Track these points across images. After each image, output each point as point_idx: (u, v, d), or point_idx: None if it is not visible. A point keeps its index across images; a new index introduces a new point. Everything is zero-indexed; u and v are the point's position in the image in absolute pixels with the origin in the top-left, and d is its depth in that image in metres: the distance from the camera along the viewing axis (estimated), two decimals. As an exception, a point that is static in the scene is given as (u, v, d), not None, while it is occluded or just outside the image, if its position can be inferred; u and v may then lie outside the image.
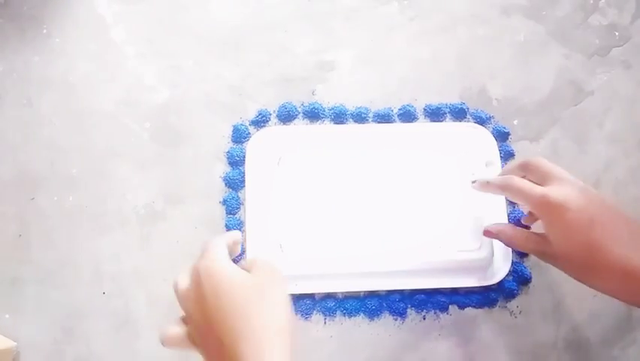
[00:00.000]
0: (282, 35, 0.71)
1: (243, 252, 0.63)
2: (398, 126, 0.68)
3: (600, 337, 0.64)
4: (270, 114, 0.68)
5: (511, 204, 0.66)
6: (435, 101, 0.69)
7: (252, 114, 0.68)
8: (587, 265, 0.46)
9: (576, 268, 0.49)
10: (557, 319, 0.63)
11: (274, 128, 0.67)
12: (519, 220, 0.62)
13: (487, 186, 0.56)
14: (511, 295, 0.63)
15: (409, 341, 0.62)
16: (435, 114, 0.68)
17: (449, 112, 0.68)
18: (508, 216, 0.65)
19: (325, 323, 0.63)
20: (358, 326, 0.63)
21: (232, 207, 0.65)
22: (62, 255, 0.64)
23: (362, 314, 0.63)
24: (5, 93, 0.68)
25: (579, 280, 0.49)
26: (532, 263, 0.64)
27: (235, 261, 0.43)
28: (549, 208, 0.47)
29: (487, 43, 0.71)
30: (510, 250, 0.64)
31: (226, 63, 0.69)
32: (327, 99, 0.69)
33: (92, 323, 0.62)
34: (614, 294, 0.47)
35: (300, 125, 0.68)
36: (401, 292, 0.63)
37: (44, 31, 0.70)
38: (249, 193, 0.64)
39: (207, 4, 0.71)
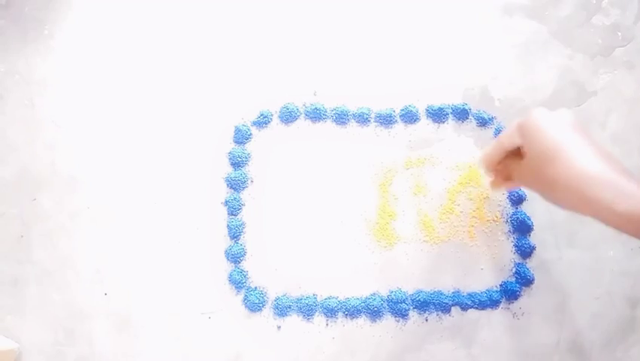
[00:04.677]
0: (284, 36, 0.70)
1: (245, 253, 0.63)
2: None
3: (603, 338, 0.63)
4: (272, 115, 0.68)
5: (513, 205, 0.66)
6: (437, 101, 0.68)
7: (253, 115, 0.68)
8: (550, 163, 0.45)
9: (539, 168, 0.46)
10: (560, 320, 0.63)
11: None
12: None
13: (486, 159, 0.53)
14: (513, 296, 0.63)
15: (411, 342, 0.62)
16: (437, 115, 0.68)
17: (451, 112, 0.68)
18: (510, 218, 0.65)
19: (327, 324, 0.63)
20: (360, 327, 0.63)
21: (234, 208, 0.65)
22: (63, 256, 0.64)
23: (364, 316, 0.63)
24: (7, 94, 0.68)
25: (540, 191, 0.47)
26: (536, 265, 0.64)
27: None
28: (529, 120, 0.47)
29: (489, 44, 0.71)
30: (512, 251, 0.64)
31: (228, 64, 0.69)
32: (329, 100, 0.69)
33: (93, 323, 0.62)
34: (572, 205, 0.45)
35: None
36: (403, 293, 0.63)
37: (46, 32, 0.70)
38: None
39: (210, 8, 0.71)
